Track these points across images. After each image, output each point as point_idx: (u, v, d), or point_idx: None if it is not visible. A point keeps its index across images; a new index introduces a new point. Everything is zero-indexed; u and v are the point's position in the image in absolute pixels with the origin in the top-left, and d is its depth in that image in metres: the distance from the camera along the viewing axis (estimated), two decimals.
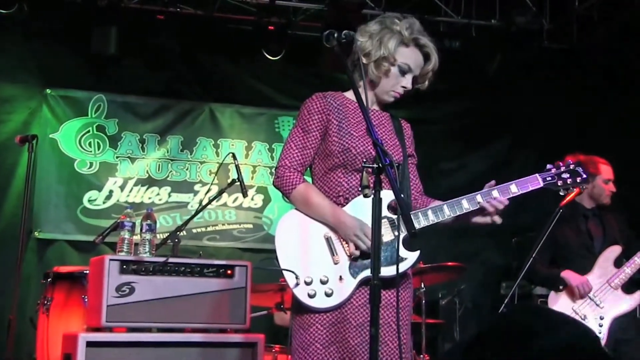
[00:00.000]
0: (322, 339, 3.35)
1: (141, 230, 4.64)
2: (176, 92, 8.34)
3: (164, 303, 4.49)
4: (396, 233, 3.38)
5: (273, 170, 3.61)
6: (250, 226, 8.31)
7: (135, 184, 8.04)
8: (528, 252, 4.96)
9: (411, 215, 3.27)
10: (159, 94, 8.27)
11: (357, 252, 3.35)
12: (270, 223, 8.25)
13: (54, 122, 7.87)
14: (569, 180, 3.64)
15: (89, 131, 7.98)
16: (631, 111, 8.48)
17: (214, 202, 5.77)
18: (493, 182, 3.54)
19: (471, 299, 8.21)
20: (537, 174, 3.63)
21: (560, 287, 5.34)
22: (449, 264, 6.51)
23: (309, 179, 3.58)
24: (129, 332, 4.44)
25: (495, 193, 3.51)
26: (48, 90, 7.88)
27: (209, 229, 8.18)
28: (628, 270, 5.30)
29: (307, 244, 3.41)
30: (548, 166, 3.69)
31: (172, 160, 8.19)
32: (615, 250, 5.38)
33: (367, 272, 3.35)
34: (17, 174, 7.61)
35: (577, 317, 5.21)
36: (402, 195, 3.27)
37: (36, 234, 7.66)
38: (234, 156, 5.39)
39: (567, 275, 5.31)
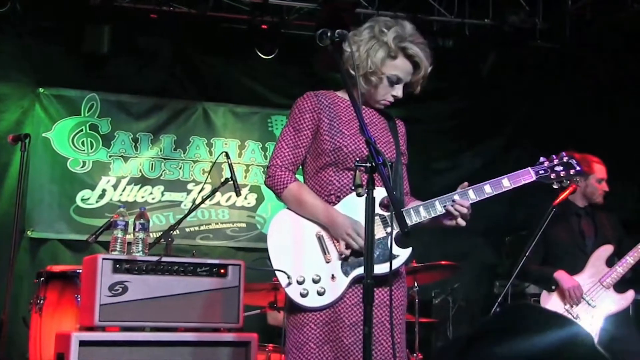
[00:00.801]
0: (315, 339, 3.35)
1: (134, 229, 4.64)
2: (169, 91, 8.32)
3: (157, 302, 4.49)
4: (387, 230, 3.39)
5: (265, 173, 3.59)
6: (244, 225, 8.30)
7: (129, 183, 8.03)
8: (521, 251, 4.97)
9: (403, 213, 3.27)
10: (152, 93, 8.25)
11: (348, 251, 3.35)
12: (264, 222, 8.25)
13: (46, 121, 7.85)
14: (562, 173, 3.62)
15: (81, 130, 7.96)
16: (624, 110, 8.51)
17: (207, 201, 5.76)
18: (466, 183, 3.53)
19: (464, 298, 8.21)
20: (529, 168, 3.60)
21: (553, 287, 5.35)
22: (442, 262, 6.52)
23: (301, 178, 3.58)
24: (122, 331, 4.45)
25: (471, 193, 3.50)
26: (41, 89, 7.86)
27: (202, 228, 8.17)
28: (620, 269, 5.31)
29: (299, 243, 3.42)
30: (541, 159, 3.66)
31: (165, 159, 8.18)
32: (607, 250, 5.38)
33: (359, 271, 3.35)
34: (9, 173, 7.59)
35: (569, 316, 5.22)
36: (395, 193, 3.27)
37: (29, 233, 7.64)
38: (227, 155, 5.39)
39: (560, 276, 5.31)
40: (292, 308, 3.42)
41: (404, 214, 3.26)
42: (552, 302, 5.33)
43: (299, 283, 3.35)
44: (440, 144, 8.92)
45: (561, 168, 3.63)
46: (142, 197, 8.05)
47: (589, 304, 5.26)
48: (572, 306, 5.26)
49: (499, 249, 8.48)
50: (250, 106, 8.52)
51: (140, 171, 8.08)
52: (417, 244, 3.43)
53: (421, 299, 6.71)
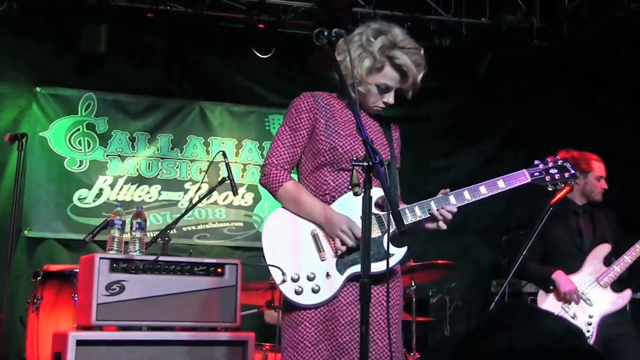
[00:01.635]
0: (311, 337, 3.35)
1: (131, 228, 4.65)
2: (166, 91, 8.33)
3: (154, 301, 4.50)
4: (383, 229, 3.39)
5: (260, 171, 3.59)
6: (241, 224, 8.30)
7: (126, 182, 8.03)
8: (518, 250, 4.96)
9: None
10: (149, 92, 8.25)
11: (343, 248, 3.36)
12: (261, 221, 8.25)
13: (43, 120, 7.84)
14: (557, 176, 3.66)
15: (79, 129, 7.95)
16: (621, 109, 8.52)
17: (204, 201, 5.75)
18: (448, 189, 3.52)
19: (462, 297, 8.22)
20: (524, 170, 3.64)
21: (551, 287, 5.34)
22: (440, 262, 6.53)
23: (295, 178, 3.58)
24: (119, 330, 4.45)
25: (451, 199, 3.50)
26: (38, 89, 7.85)
27: (199, 227, 8.17)
28: (617, 268, 5.30)
29: (294, 241, 3.42)
30: (536, 162, 3.70)
31: (162, 158, 8.18)
32: (604, 249, 5.38)
33: (354, 269, 3.36)
34: (6, 173, 7.60)
35: (566, 316, 5.22)
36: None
37: (26, 232, 7.63)
38: (224, 154, 5.40)
39: (558, 278, 5.29)
40: (288, 307, 3.42)
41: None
42: (548, 302, 5.32)
43: (294, 280, 3.35)
44: (436, 143, 8.93)
45: (556, 171, 3.67)
46: (139, 196, 8.05)
47: (586, 303, 5.26)
48: (569, 305, 5.26)
49: (496, 248, 8.48)
50: (247, 105, 8.52)
51: (137, 170, 8.08)
52: (412, 243, 3.44)
53: (418, 298, 6.71)
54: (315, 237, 3.42)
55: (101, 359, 4.30)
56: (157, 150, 8.17)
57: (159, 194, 8.12)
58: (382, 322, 3.39)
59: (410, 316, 6.52)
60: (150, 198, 8.08)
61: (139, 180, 8.07)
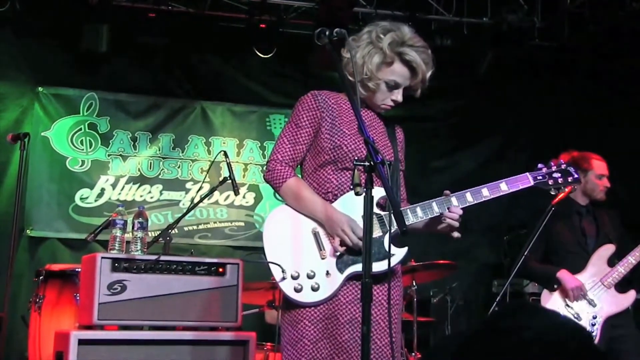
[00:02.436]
0: (310, 335, 3.36)
1: (133, 228, 4.65)
2: (168, 90, 8.33)
3: (155, 301, 4.50)
4: (384, 229, 3.39)
5: (264, 167, 3.61)
6: (242, 224, 8.31)
7: (127, 182, 8.04)
8: (520, 250, 4.96)
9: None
10: (151, 92, 8.26)
11: (342, 248, 3.36)
12: (262, 221, 8.24)
13: (45, 120, 7.85)
14: (559, 180, 3.66)
15: (80, 129, 7.96)
16: (622, 109, 8.52)
17: (205, 200, 5.76)
18: (448, 191, 3.52)
19: (463, 297, 8.22)
20: (527, 173, 3.64)
21: (555, 287, 5.33)
22: (441, 261, 6.53)
23: (299, 175, 3.59)
24: (121, 330, 4.45)
25: (453, 200, 3.50)
26: (40, 88, 7.86)
27: (200, 227, 8.18)
28: (621, 269, 5.29)
29: (295, 238, 3.43)
30: (539, 165, 3.70)
31: (163, 158, 8.18)
32: (608, 249, 5.37)
33: (353, 268, 3.37)
34: (8, 172, 7.60)
35: (570, 316, 5.21)
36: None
37: (28, 232, 7.64)
38: (225, 154, 5.39)
39: (563, 276, 5.27)
40: (288, 304, 3.43)
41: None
42: (552, 301, 5.31)
43: (294, 278, 3.36)
44: (438, 143, 8.93)
45: (559, 175, 3.67)
46: (141, 196, 8.05)
47: (590, 304, 5.25)
48: (573, 305, 5.26)
49: (497, 248, 8.48)
50: (249, 105, 8.52)
51: (139, 170, 8.09)
52: (413, 243, 3.44)
53: (419, 298, 6.72)
54: (316, 235, 3.43)
55: (103, 358, 4.30)
56: (159, 150, 8.17)
57: (161, 193, 8.12)
58: (382, 322, 3.39)
59: (411, 316, 6.52)
60: (151, 198, 8.08)
61: (140, 180, 8.08)
